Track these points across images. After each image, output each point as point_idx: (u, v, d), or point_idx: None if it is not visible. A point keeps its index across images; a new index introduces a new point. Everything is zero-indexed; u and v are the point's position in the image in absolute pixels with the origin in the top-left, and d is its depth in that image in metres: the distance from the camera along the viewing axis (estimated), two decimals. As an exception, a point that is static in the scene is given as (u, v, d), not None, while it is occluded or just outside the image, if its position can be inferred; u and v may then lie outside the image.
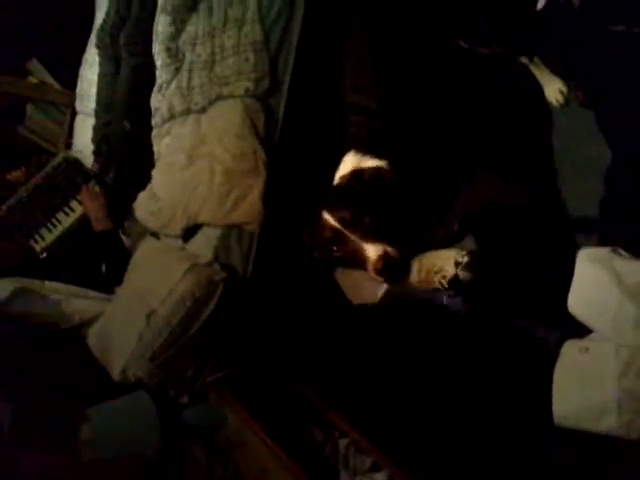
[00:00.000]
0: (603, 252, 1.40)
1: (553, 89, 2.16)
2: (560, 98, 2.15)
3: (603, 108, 2.06)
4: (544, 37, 2.07)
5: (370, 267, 1.67)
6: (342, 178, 1.86)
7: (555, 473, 1.72)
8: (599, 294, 1.37)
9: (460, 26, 2.11)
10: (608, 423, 1.27)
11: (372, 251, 1.66)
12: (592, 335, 1.40)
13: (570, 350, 1.39)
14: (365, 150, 1.86)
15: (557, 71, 2.15)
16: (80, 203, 3.01)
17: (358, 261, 1.71)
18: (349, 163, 1.89)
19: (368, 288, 2.46)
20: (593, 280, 1.40)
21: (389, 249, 1.66)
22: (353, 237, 1.68)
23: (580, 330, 1.43)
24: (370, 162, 1.82)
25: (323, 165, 2.38)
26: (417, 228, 1.84)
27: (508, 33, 2.10)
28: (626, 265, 1.35)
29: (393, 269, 1.67)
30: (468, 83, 2.18)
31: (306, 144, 2.53)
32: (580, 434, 1.33)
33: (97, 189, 2.99)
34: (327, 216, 1.73)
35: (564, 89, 2.14)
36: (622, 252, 1.39)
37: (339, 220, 1.71)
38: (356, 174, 1.81)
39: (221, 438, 2.28)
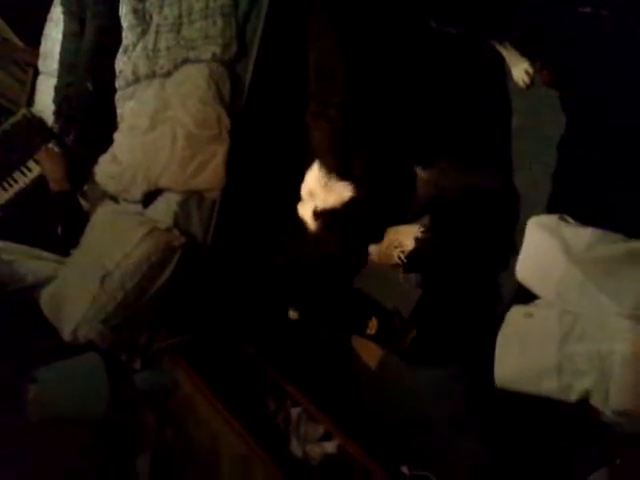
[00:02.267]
0: (551, 219, 1.42)
1: (520, 70, 2.17)
2: (526, 79, 2.17)
3: (568, 90, 2.08)
4: (512, 17, 2.08)
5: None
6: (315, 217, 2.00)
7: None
8: (546, 260, 1.39)
9: (429, 6, 2.11)
10: (548, 386, 1.30)
11: None
12: (537, 301, 1.43)
13: (515, 316, 1.41)
14: (330, 163, 1.95)
15: (524, 51, 2.16)
16: (38, 163, 2.94)
17: None
18: (313, 182, 1.99)
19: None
20: (541, 246, 1.42)
21: None
22: None
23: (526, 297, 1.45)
24: (336, 192, 1.93)
25: (287, 135, 2.38)
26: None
27: (477, 12, 2.11)
28: (573, 232, 1.37)
29: None
30: (435, 63, 2.18)
31: (271, 114, 2.51)
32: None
33: (57, 150, 2.93)
34: None
35: (530, 70, 2.16)
36: (570, 220, 1.42)
37: None
38: (329, 215, 1.98)
39: (173, 403, 2.27)
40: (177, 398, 2.27)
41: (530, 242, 1.44)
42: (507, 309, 1.60)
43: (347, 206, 1.95)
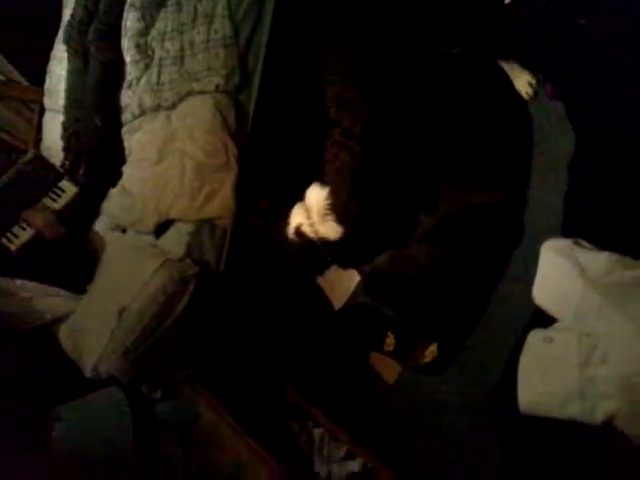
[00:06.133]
0: (567, 243, 1.44)
1: (522, 82, 2.19)
2: (530, 91, 2.18)
3: (571, 100, 2.09)
4: (513, 30, 2.10)
5: None
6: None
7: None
8: (563, 284, 1.41)
9: (435, 28, 2.14)
10: (572, 410, 1.31)
11: None
12: (556, 325, 1.44)
13: (534, 340, 1.43)
14: (339, 199, 2.06)
15: (526, 64, 2.18)
16: (54, 200, 2.95)
17: None
18: (315, 203, 2.10)
19: (344, 284, 2.49)
20: (557, 271, 1.43)
21: None
22: None
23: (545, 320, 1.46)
24: (327, 228, 2.08)
25: (295, 159, 2.41)
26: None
27: (478, 32, 2.14)
28: (589, 256, 1.39)
29: None
30: (444, 84, 2.21)
31: (277, 139, 2.54)
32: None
33: (70, 186, 2.95)
34: None
35: (533, 82, 2.17)
36: (584, 243, 1.44)
37: None
38: (308, 240, 2.13)
39: (196, 432, 2.29)
40: (199, 427, 2.28)
41: (546, 266, 1.46)
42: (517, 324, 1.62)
43: (327, 246, 2.09)
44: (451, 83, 2.16)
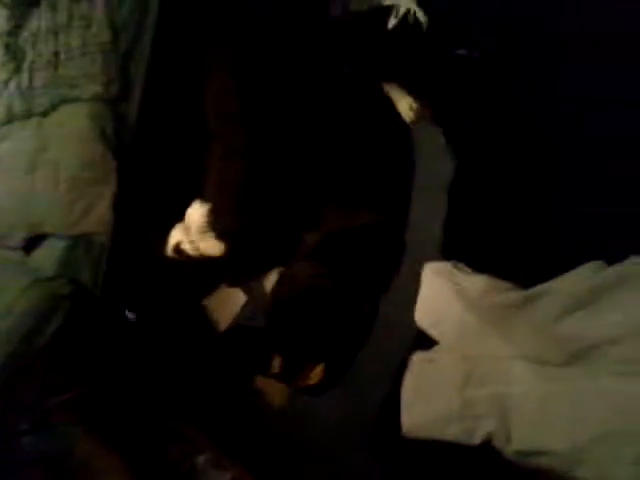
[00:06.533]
0: (446, 266, 1.49)
1: (404, 105, 2.24)
2: (411, 114, 2.24)
3: (450, 126, 2.17)
4: (396, 54, 2.16)
5: None
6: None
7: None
8: (443, 307, 1.46)
9: (320, 48, 2.17)
10: (452, 431, 1.34)
11: None
12: (438, 347, 1.48)
13: (417, 362, 1.45)
14: (219, 217, 2.05)
15: (408, 88, 2.24)
16: None
17: None
18: (195, 220, 2.08)
19: (230, 304, 2.45)
20: (437, 293, 1.48)
21: None
22: None
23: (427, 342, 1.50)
24: (207, 246, 2.07)
25: (178, 173, 2.35)
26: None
27: (360, 52, 2.18)
28: (468, 279, 1.44)
29: None
30: (327, 103, 2.23)
31: (160, 151, 2.46)
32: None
33: None
34: None
35: (414, 105, 2.23)
36: (463, 267, 1.49)
37: None
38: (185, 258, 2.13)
39: (68, 465, 2.15)
40: (73, 459, 2.15)
41: (426, 288, 1.50)
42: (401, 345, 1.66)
43: (207, 262, 2.09)
44: (334, 102, 2.19)
